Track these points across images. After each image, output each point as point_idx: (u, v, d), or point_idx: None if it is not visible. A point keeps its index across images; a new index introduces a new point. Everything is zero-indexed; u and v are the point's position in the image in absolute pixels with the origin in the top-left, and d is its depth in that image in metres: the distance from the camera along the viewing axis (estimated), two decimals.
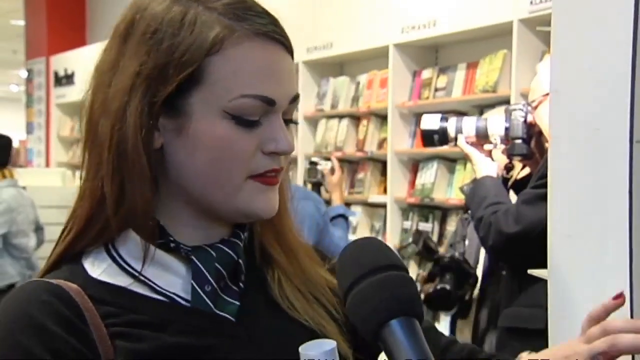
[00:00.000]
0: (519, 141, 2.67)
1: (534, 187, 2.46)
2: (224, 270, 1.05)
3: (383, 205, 5.35)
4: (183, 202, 1.05)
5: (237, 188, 1.02)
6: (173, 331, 1.00)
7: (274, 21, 1.04)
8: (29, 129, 11.37)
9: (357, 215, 5.45)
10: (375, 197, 5.53)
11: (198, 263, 1.03)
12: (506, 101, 4.42)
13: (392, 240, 5.24)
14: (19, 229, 5.13)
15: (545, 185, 1.75)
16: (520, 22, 4.29)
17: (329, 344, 0.95)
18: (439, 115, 2.85)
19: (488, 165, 2.75)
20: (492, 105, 4.53)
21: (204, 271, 1.03)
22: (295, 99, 1.06)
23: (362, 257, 0.93)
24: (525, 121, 2.68)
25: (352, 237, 4.49)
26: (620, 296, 1.01)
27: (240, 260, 1.07)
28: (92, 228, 1.04)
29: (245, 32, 1.00)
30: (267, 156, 1.03)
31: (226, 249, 1.06)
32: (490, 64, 4.71)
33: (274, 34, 1.02)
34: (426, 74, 5.16)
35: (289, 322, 1.08)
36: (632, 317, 1.05)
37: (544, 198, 1.67)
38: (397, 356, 0.87)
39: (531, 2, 4.22)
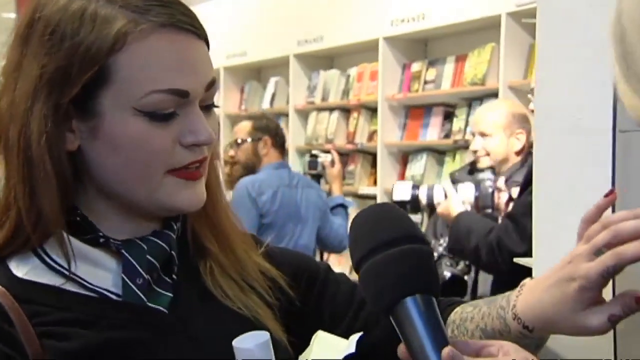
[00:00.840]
0: (488, 210, 2.79)
1: (526, 194, 2.44)
2: (157, 263, 1.01)
3: (373, 197, 5.36)
4: (109, 199, 1.01)
5: (158, 184, 0.97)
6: (103, 327, 0.96)
7: (182, 9, 0.97)
8: None
9: (354, 205, 5.46)
10: (365, 189, 5.55)
11: (128, 256, 0.99)
12: (494, 94, 4.44)
13: None
14: None
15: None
16: (508, 16, 4.31)
17: (262, 336, 0.93)
18: (410, 184, 2.86)
19: (460, 203, 2.80)
20: (480, 97, 4.54)
21: (135, 264, 0.99)
22: (211, 84, 0.99)
23: (377, 226, 0.87)
24: (493, 192, 2.75)
25: None
26: (611, 192, 0.96)
27: (173, 252, 1.03)
28: (17, 239, 0.99)
29: (150, 25, 0.94)
30: (186, 149, 0.98)
31: (158, 241, 1.02)
32: (478, 56, 4.73)
33: (181, 24, 0.95)
34: (415, 66, 5.17)
35: (223, 311, 1.05)
36: None
37: None
38: (411, 336, 0.82)
39: None
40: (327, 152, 4.58)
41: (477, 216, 2.77)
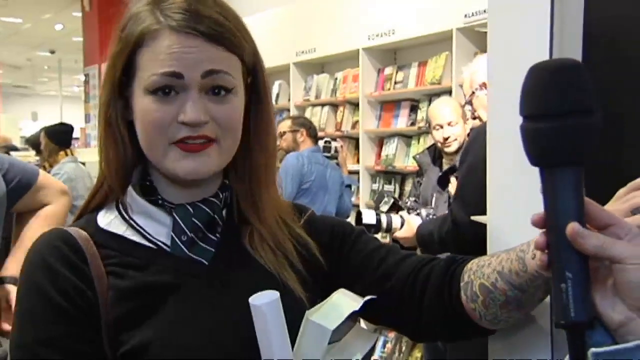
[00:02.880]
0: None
1: (462, 175, 2.29)
2: (200, 224, 0.98)
3: (356, 172, 5.32)
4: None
5: (164, 152, 0.93)
6: (152, 271, 0.94)
7: (194, 18, 0.91)
8: (87, 119, 11.23)
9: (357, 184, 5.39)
10: (350, 166, 5.49)
11: (177, 217, 0.97)
12: (449, 91, 4.39)
13: (363, 198, 5.21)
14: (79, 194, 4.98)
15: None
16: (457, 31, 4.26)
17: (273, 295, 0.86)
18: (374, 212, 2.74)
19: (416, 219, 2.67)
20: (438, 94, 4.50)
21: (181, 224, 0.97)
22: (209, 73, 0.91)
23: (562, 87, 0.68)
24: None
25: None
26: None
27: (216, 216, 0.99)
28: (108, 198, 1.03)
29: (162, 27, 0.91)
30: (181, 125, 0.91)
31: (203, 207, 0.98)
32: (436, 62, 4.67)
33: (188, 29, 0.90)
34: (387, 70, 5.09)
35: (254, 267, 1.00)
36: None
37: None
38: (560, 199, 0.69)
39: (465, 15, 4.20)
40: (334, 139, 4.59)
41: (430, 220, 2.63)
